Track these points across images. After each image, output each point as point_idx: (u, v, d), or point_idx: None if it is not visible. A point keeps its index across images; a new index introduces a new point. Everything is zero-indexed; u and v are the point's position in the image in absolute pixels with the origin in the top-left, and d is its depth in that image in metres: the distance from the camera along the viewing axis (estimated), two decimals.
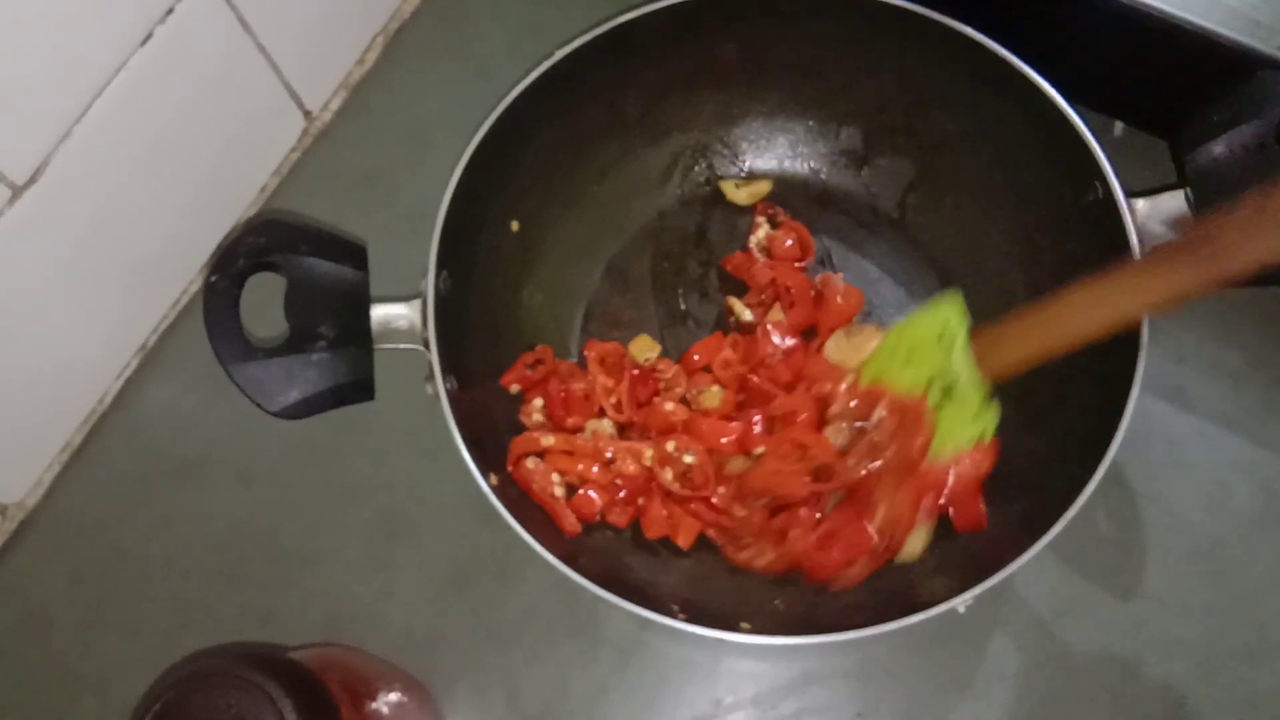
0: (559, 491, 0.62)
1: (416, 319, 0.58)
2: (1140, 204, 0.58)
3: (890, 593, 0.59)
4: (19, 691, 0.65)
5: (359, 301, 0.58)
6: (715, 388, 0.66)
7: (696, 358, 0.67)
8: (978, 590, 0.52)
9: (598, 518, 0.63)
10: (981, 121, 0.66)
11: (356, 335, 0.57)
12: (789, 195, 0.73)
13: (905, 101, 0.69)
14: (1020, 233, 0.67)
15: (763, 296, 0.69)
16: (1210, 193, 0.57)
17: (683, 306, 0.71)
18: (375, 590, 0.66)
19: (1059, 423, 0.60)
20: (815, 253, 0.71)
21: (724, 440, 0.63)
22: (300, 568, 0.67)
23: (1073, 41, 0.64)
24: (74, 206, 0.60)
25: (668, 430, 0.64)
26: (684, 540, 0.63)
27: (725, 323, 0.70)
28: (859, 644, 0.58)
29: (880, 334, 0.64)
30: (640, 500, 0.63)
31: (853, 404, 0.60)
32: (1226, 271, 0.48)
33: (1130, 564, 0.65)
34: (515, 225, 0.68)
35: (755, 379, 0.65)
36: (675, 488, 0.62)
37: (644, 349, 0.69)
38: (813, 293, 0.68)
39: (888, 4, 0.62)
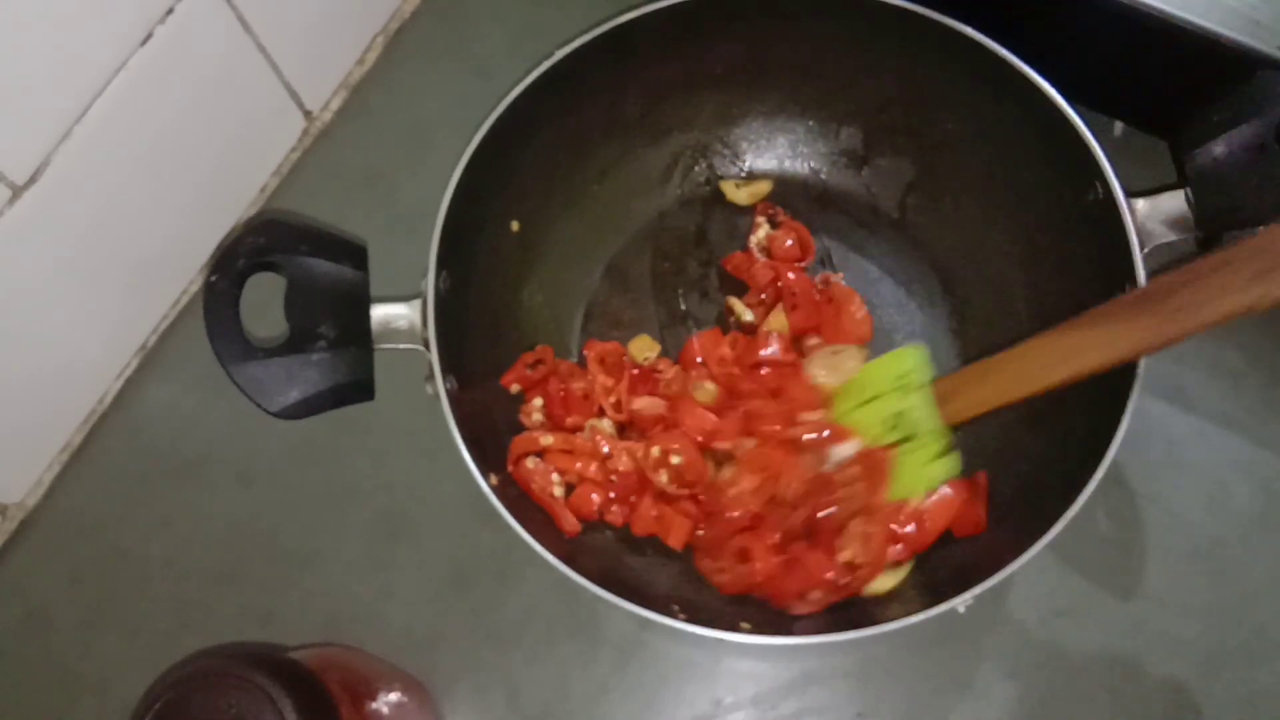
0: (559, 491, 0.62)
1: (416, 319, 0.58)
2: (1140, 204, 0.58)
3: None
4: (19, 691, 0.65)
5: (359, 301, 0.58)
6: (709, 384, 0.66)
7: (697, 347, 0.67)
8: (978, 590, 0.52)
9: (596, 516, 0.63)
10: (982, 121, 0.66)
11: (356, 335, 0.57)
12: (789, 195, 0.73)
13: (905, 101, 0.69)
14: (1020, 233, 0.67)
15: (763, 296, 0.69)
16: (1210, 192, 0.57)
17: (683, 306, 0.71)
18: (375, 590, 0.66)
19: (1059, 423, 0.60)
20: (815, 253, 0.71)
21: (705, 428, 0.62)
22: (300, 568, 0.67)
23: (1073, 41, 0.64)
24: (74, 206, 0.60)
25: (653, 422, 0.64)
26: (675, 540, 0.62)
27: (725, 323, 0.70)
28: (859, 644, 0.58)
29: (863, 355, 0.64)
30: (632, 498, 0.63)
31: (825, 434, 0.60)
32: (1186, 331, 0.48)
33: (1130, 564, 0.65)
34: (515, 225, 0.68)
35: (747, 382, 0.64)
36: (671, 489, 0.62)
37: (644, 349, 0.69)
38: (816, 295, 0.68)
39: (888, 4, 0.62)
